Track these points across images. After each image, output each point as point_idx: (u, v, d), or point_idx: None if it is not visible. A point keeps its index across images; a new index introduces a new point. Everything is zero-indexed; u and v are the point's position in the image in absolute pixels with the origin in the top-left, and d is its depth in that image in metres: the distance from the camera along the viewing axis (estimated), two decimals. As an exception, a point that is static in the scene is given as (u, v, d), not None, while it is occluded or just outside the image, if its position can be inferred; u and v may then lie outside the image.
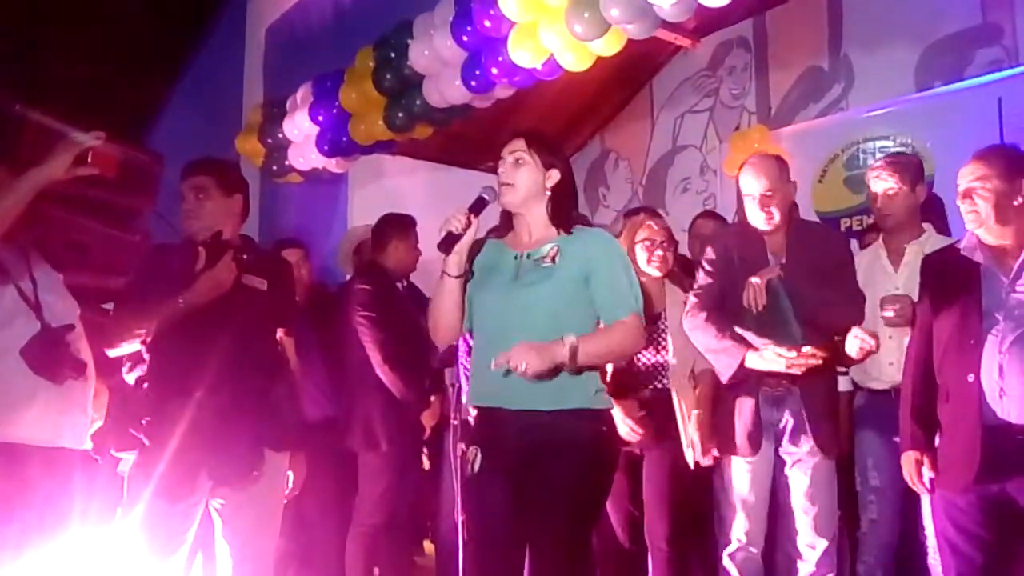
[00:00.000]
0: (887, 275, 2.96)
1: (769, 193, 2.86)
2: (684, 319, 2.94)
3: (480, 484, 2.26)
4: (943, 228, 3.20)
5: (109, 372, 2.80)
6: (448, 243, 2.22)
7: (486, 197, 2.29)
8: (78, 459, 2.56)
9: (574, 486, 2.18)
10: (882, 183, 2.98)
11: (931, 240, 2.96)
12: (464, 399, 2.41)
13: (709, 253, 3.00)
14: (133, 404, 2.52)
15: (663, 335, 3.10)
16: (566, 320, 2.22)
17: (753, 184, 2.89)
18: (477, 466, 2.24)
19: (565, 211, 2.37)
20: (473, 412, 2.43)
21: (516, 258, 2.34)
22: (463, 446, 2.31)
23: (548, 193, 2.34)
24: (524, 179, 2.31)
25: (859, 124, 4.64)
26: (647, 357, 3.08)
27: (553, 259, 2.28)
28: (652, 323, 3.05)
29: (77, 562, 2.46)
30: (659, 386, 3.07)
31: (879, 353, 2.82)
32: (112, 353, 2.58)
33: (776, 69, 5.24)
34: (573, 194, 2.42)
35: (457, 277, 2.27)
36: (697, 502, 3.06)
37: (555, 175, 2.34)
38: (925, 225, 3.03)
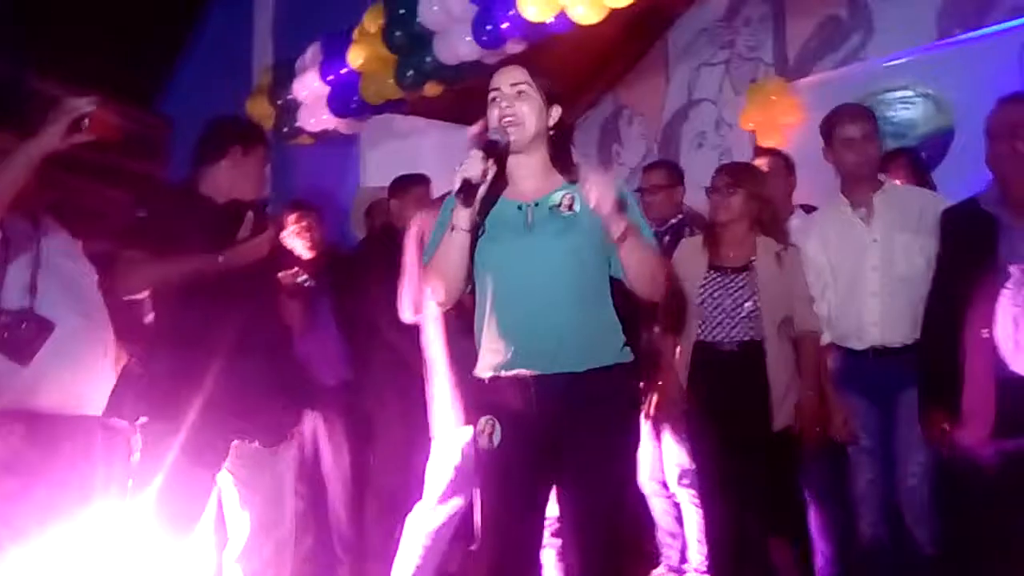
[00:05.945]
0: (860, 230, 2.88)
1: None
2: None
3: (502, 458, 2.07)
4: (922, 180, 3.34)
5: (131, 339, 2.81)
6: (468, 192, 1.97)
7: (499, 139, 2.04)
8: (98, 425, 2.59)
9: (616, 436, 2.08)
10: (858, 128, 2.90)
11: (893, 189, 2.93)
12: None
13: None
14: (153, 365, 2.50)
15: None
16: (591, 272, 2.09)
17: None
18: (496, 439, 2.07)
19: (569, 153, 2.14)
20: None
21: (521, 208, 2.09)
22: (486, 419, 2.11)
23: (551, 132, 2.12)
24: (531, 114, 2.08)
25: (879, 74, 4.53)
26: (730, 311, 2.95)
27: (570, 207, 2.07)
28: (737, 274, 2.99)
29: (100, 531, 2.47)
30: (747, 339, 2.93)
31: (862, 314, 2.80)
32: (130, 296, 2.54)
33: (794, 19, 5.11)
34: (572, 134, 2.23)
35: (467, 231, 2.03)
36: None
37: (557, 111, 2.12)
38: (881, 176, 2.99)
